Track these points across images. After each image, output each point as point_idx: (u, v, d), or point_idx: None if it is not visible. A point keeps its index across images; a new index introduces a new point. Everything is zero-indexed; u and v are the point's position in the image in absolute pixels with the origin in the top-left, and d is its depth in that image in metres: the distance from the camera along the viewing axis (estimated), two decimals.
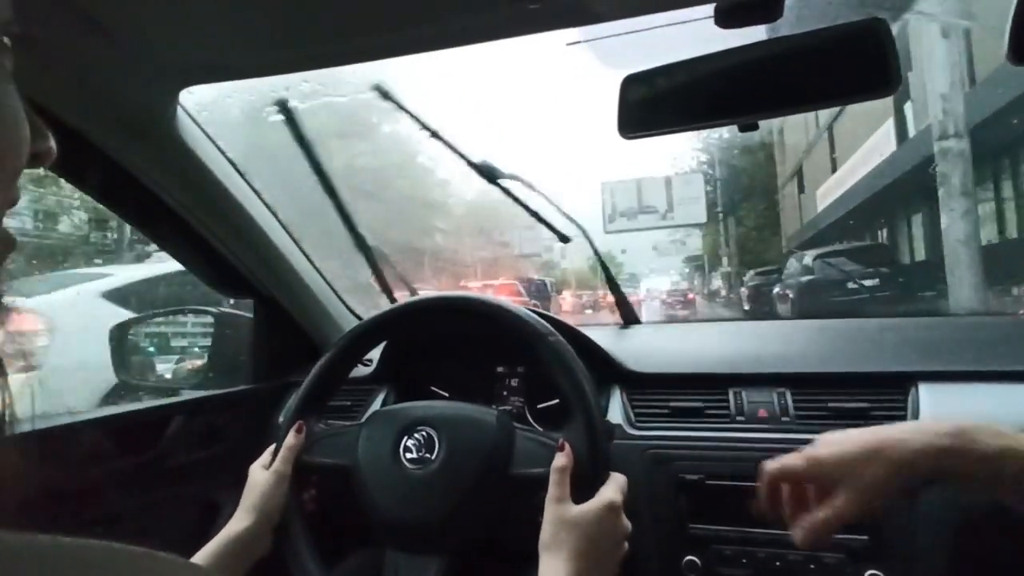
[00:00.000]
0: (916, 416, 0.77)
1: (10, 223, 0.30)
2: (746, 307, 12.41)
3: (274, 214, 1.02)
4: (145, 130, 0.80)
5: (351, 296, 1.19)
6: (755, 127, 0.72)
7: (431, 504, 0.63)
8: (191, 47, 0.70)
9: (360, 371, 1.04)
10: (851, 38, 0.66)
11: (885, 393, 0.81)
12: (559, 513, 0.58)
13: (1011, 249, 7.79)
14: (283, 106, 0.97)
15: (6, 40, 0.28)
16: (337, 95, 1.05)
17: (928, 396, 0.78)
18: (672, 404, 0.88)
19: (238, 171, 0.94)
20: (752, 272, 13.47)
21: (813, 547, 0.58)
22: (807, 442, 0.78)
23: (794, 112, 0.73)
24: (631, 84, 0.74)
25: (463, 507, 0.63)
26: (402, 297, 1.07)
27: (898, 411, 0.79)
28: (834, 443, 0.54)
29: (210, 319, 1.19)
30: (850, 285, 7.62)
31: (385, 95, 0.98)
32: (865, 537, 0.73)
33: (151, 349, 1.24)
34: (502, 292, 9.21)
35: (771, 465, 0.57)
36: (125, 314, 1.46)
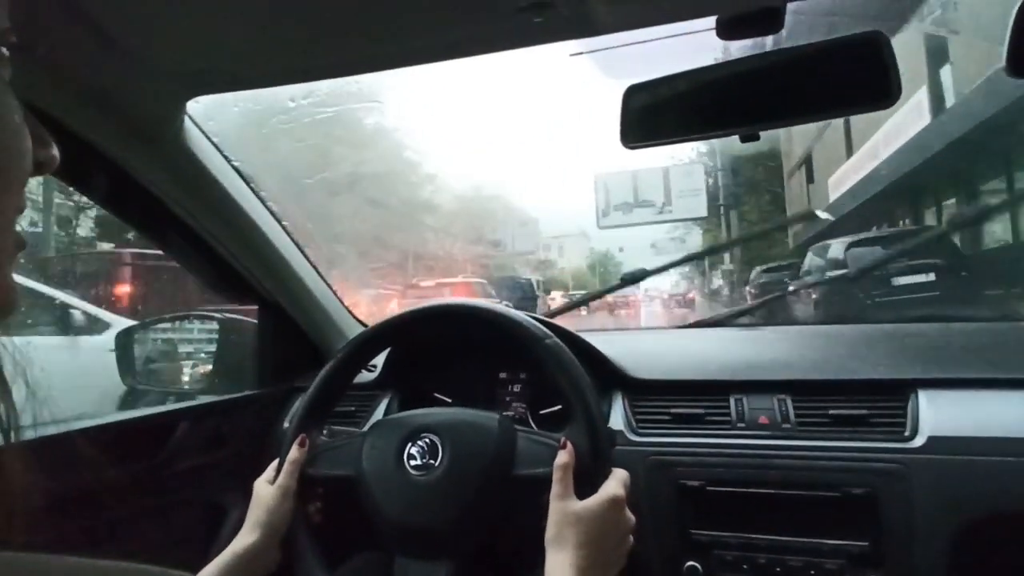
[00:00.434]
0: (916, 423, 0.78)
1: None
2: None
3: (279, 221, 1.03)
4: (153, 139, 0.81)
5: None
6: (756, 137, 0.72)
7: (437, 509, 0.64)
8: (198, 58, 0.71)
9: (364, 377, 1.04)
10: (851, 50, 0.67)
11: (885, 400, 0.81)
12: (563, 509, 0.59)
13: None
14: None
15: (4, 51, 0.28)
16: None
17: (928, 403, 0.79)
18: (673, 410, 0.89)
19: (244, 179, 0.95)
20: (758, 269, 11.61)
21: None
22: (808, 449, 0.79)
23: (794, 123, 0.74)
24: (633, 94, 0.75)
25: (469, 510, 0.64)
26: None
27: (898, 418, 0.79)
28: None
29: (215, 325, 1.20)
30: (900, 282, 5.90)
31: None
32: (865, 543, 0.74)
33: (158, 354, 1.24)
34: (459, 292, 8.81)
35: None
36: None
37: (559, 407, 0.98)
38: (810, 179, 15.63)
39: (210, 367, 1.20)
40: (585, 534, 0.57)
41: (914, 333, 1.11)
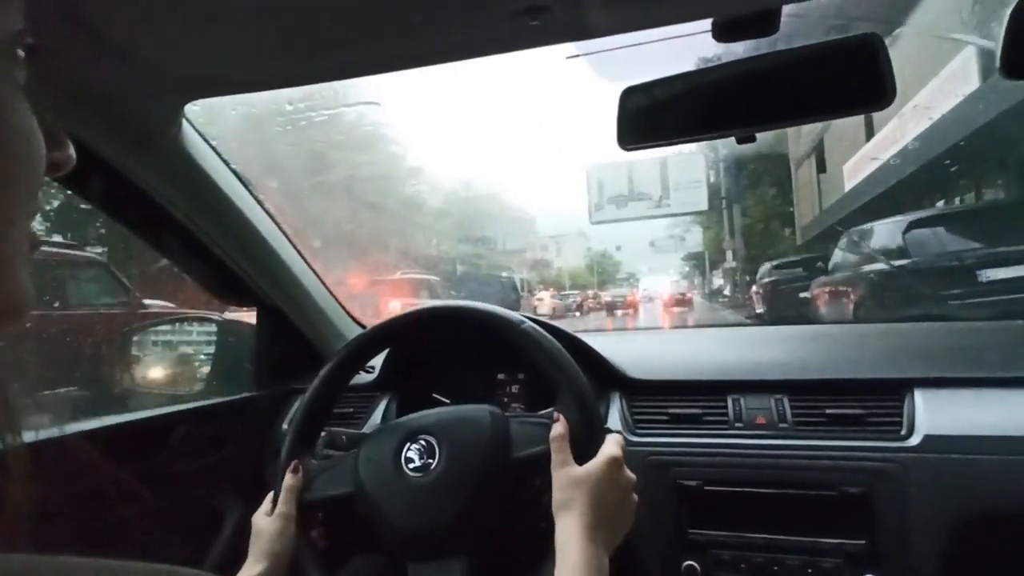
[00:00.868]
0: (912, 422, 0.78)
1: None
2: (759, 310, 9.23)
3: (277, 224, 1.03)
4: (151, 142, 0.81)
5: None
6: (752, 139, 0.73)
7: (442, 507, 0.64)
8: (196, 62, 0.71)
9: (363, 378, 1.05)
10: (846, 52, 0.67)
11: (881, 399, 0.82)
12: (565, 475, 0.60)
13: None
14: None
15: (20, 52, 0.28)
16: None
17: (924, 402, 0.80)
18: (671, 411, 0.89)
19: (242, 182, 0.95)
20: (769, 265, 9.92)
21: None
22: (804, 448, 0.80)
23: (790, 125, 0.74)
24: (630, 95, 0.76)
25: (474, 503, 0.64)
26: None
27: (894, 417, 0.80)
28: None
29: (213, 327, 1.20)
30: (990, 276, 4.12)
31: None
32: (862, 542, 0.74)
33: (156, 356, 1.24)
34: (398, 290, 8.07)
35: None
36: None
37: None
38: (821, 168, 13.75)
39: (209, 369, 1.20)
40: (590, 495, 0.58)
41: (910, 332, 1.11)
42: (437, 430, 0.68)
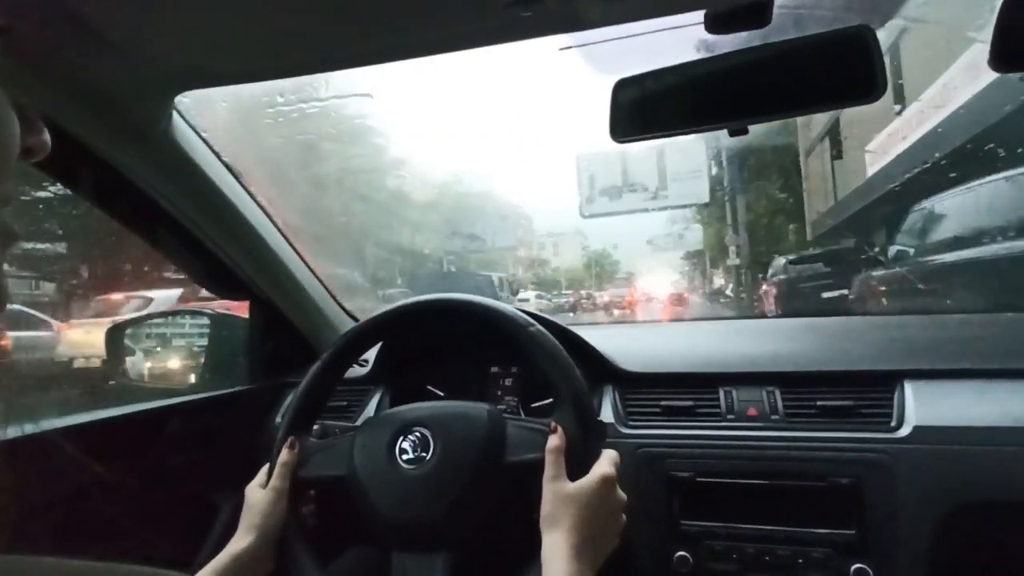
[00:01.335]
0: (902, 413, 0.79)
1: None
2: (773, 311, 7.57)
3: (269, 217, 1.02)
4: (141, 134, 0.80)
5: None
6: (745, 131, 0.73)
7: (431, 501, 0.64)
8: (187, 52, 0.71)
9: (356, 371, 1.05)
10: (838, 44, 0.67)
11: (872, 391, 0.83)
12: (556, 490, 0.59)
13: None
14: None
15: None
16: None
17: (914, 394, 0.80)
18: (664, 403, 0.89)
19: (234, 174, 0.95)
20: (783, 261, 8.44)
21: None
22: (795, 440, 0.80)
23: (782, 117, 0.74)
24: (622, 88, 0.76)
25: (463, 500, 0.64)
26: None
27: (884, 409, 0.80)
28: None
29: (206, 320, 1.20)
30: None
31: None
32: (852, 531, 0.75)
33: (149, 350, 1.24)
34: None
35: None
36: None
37: (550, 400, 0.98)
38: (836, 155, 11.65)
39: (202, 362, 1.20)
40: (578, 514, 0.58)
41: (901, 325, 1.12)
42: (432, 423, 0.68)
